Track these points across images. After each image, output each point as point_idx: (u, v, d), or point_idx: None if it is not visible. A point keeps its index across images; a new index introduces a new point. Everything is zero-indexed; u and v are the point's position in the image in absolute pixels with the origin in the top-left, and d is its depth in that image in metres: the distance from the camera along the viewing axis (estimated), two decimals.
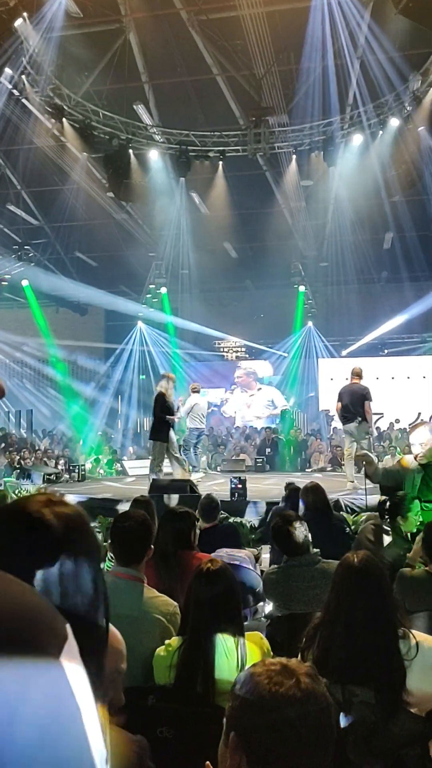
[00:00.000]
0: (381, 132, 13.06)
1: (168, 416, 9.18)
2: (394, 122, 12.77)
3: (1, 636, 0.48)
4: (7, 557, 0.81)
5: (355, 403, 8.73)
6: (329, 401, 19.66)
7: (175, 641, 2.52)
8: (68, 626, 0.53)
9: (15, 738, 0.45)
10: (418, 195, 14.83)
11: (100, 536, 7.37)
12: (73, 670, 0.51)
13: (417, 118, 12.49)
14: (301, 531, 3.39)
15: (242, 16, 12.14)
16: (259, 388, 21.26)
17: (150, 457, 10.12)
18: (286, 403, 19.49)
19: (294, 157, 14.08)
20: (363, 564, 2.33)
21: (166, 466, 9.48)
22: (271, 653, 2.58)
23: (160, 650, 2.52)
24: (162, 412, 9.11)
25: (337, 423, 19.12)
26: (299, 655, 2.48)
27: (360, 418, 8.71)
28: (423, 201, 15.43)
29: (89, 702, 0.51)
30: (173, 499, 7.08)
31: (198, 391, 11.73)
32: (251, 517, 7.31)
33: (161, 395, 9.23)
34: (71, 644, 0.52)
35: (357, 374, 9.01)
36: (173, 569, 3.28)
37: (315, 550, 3.47)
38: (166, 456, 9.31)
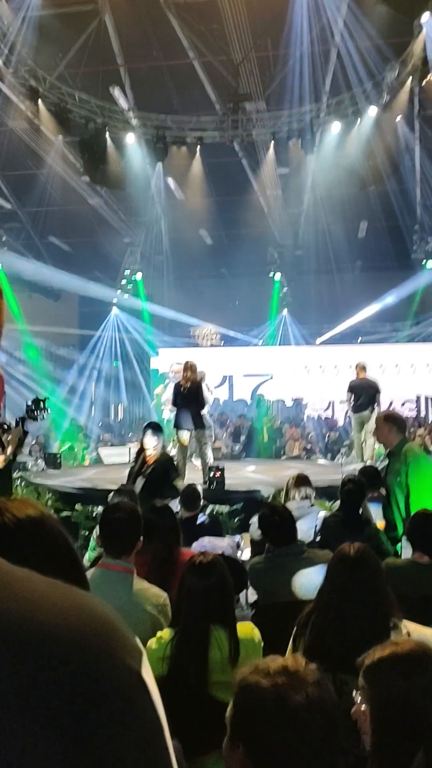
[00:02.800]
0: (359, 120, 13.07)
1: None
2: (372, 111, 12.79)
3: (90, 653, 0.47)
4: None
5: (369, 394, 9.98)
6: (303, 389, 19.83)
7: (166, 633, 2.53)
8: (137, 638, 0.53)
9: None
10: (393, 185, 14.92)
11: (82, 524, 7.33)
12: (152, 683, 0.51)
13: (395, 108, 12.54)
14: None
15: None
16: None
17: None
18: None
19: (272, 144, 14.03)
20: (358, 554, 2.36)
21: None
22: (262, 643, 2.60)
23: (152, 642, 2.52)
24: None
25: (310, 411, 19.37)
26: (291, 642, 2.51)
27: (372, 407, 9.94)
28: (398, 191, 15.52)
29: (165, 721, 0.51)
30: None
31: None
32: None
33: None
34: (145, 657, 0.52)
35: (363, 368, 10.34)
36: (168, 564, 3.27)
37: (301, 540, 3.50)
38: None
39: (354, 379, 10.37)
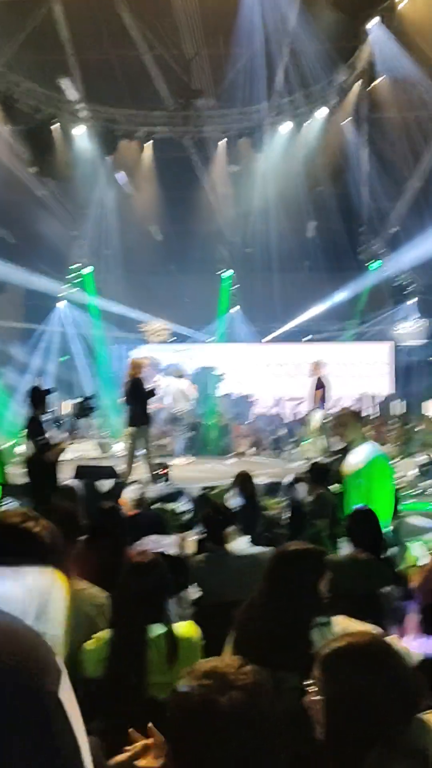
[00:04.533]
0: (308, 121, 13.22)
1: None
2: (321, 112, 12.96)
3: (4, 676, 0.46)
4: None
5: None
6: (251, 387, 19.95)
7: (104, 634, 2.50)
8: (59, 659, 0.52)
9: None
10: (340, 186, 15.14)
11: None
12: (70, 703, 0.50)
13: (343, 110, 12.73)
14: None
15: None
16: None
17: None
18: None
19: (222, 141, 14.06)
20: (296, 552, 2.37)
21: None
22: (202, 642, 2.59)
23: (89, 644, 2.49)
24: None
25: (260, 409, 19.52)
26: (229, 641, 2.51)
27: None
28: (345, 192, 15.76)
29: (84, 735, 0.50)
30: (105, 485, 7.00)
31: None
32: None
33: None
34: (65, 677, 0.51)
35: (322, 366, 10.94)
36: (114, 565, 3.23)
37: (245, 537, 3.51)
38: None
39: (322, 377, 10.63)
